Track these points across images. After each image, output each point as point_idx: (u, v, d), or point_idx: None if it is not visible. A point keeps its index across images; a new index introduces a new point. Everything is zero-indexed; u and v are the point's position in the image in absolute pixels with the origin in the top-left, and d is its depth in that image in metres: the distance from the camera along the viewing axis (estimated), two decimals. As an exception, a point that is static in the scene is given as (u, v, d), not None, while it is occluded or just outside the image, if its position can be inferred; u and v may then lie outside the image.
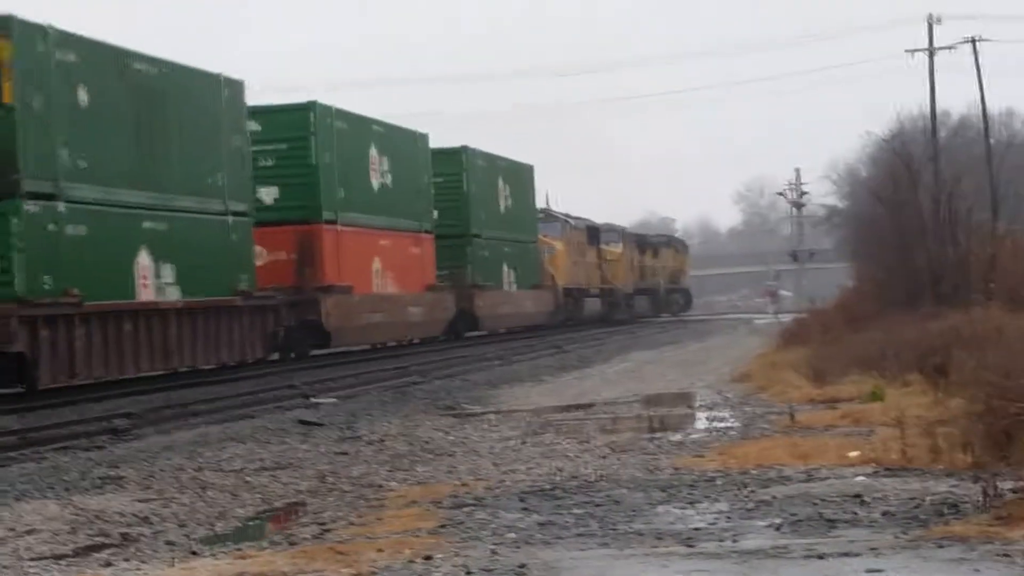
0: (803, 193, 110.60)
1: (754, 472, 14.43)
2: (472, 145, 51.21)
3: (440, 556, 10.42)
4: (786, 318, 54.24)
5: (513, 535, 11.46)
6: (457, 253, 48.77)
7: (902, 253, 36.11)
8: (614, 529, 11.60)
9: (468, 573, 9.81)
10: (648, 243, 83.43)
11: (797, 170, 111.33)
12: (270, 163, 36.69)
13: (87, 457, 18.56)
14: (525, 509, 12.83)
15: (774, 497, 12.78)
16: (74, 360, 26.56)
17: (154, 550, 11.72)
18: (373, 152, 41.44)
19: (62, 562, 11.25)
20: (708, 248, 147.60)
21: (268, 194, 36.64)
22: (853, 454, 15.06)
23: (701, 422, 20.91)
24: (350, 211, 39.21)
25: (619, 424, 21.09)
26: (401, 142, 44.04)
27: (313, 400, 26.63)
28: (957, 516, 11.31)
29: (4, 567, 11.06)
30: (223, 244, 32.71)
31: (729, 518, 11.92)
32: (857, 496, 12.52)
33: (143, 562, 11.09)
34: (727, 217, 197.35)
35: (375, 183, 41.52)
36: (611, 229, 74.14)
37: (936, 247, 34.89)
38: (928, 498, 12.19)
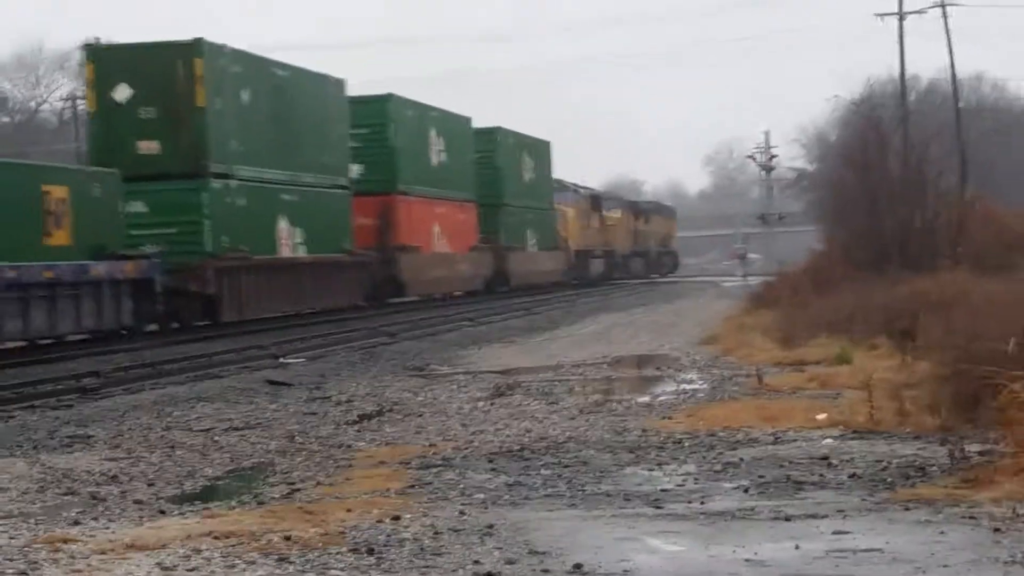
0: (772, 156, 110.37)
1: (722, 434, 14.50)
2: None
3: (408, 516, 10.45)
4: (754, 281, 54.34)
5: (481, 496, 11.50)
6: (490, 219, 56.04)
7: (870, 217, 36.16)
8: (582, 490, 11.64)
9: (436, 533, 9.83)
10: (641, 209, 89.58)
11: (766, 133, 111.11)
12: (356, 145, 43.78)
13: (55, 416, 18.51)
14: (493, 470, 12.87)
15: (742, 459, 12.85)
16: (243, 301, 34.69)
17: (123, 509, 11.71)
18: (432, 134, 49.83)
19: (31, 520, 11.22)
20: (677, 211, 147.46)
21: (355, 170, 43.50)
22: (820, 417, 15.13)
23: (669, 384, 20.94)
24: (417, 184, 47.42)
25: (588, 386, 21.12)
26: (452, 124, 52.33)
27: (282, 360, 26.62)
28: (924, 479, 11.39)
29: (-28, 525, 11.03)
30: (334, 212, 40.98)
31: (697, 480, 11.98)
32: (824, 458, 12.59)
33: (112, 521, 11.07)
34: (696, 180, 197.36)
35: (434, 160, 49.91)
36: (611, 197, 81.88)
37: (904, 211, 34.95)
38: (895, 461, 12.26)
